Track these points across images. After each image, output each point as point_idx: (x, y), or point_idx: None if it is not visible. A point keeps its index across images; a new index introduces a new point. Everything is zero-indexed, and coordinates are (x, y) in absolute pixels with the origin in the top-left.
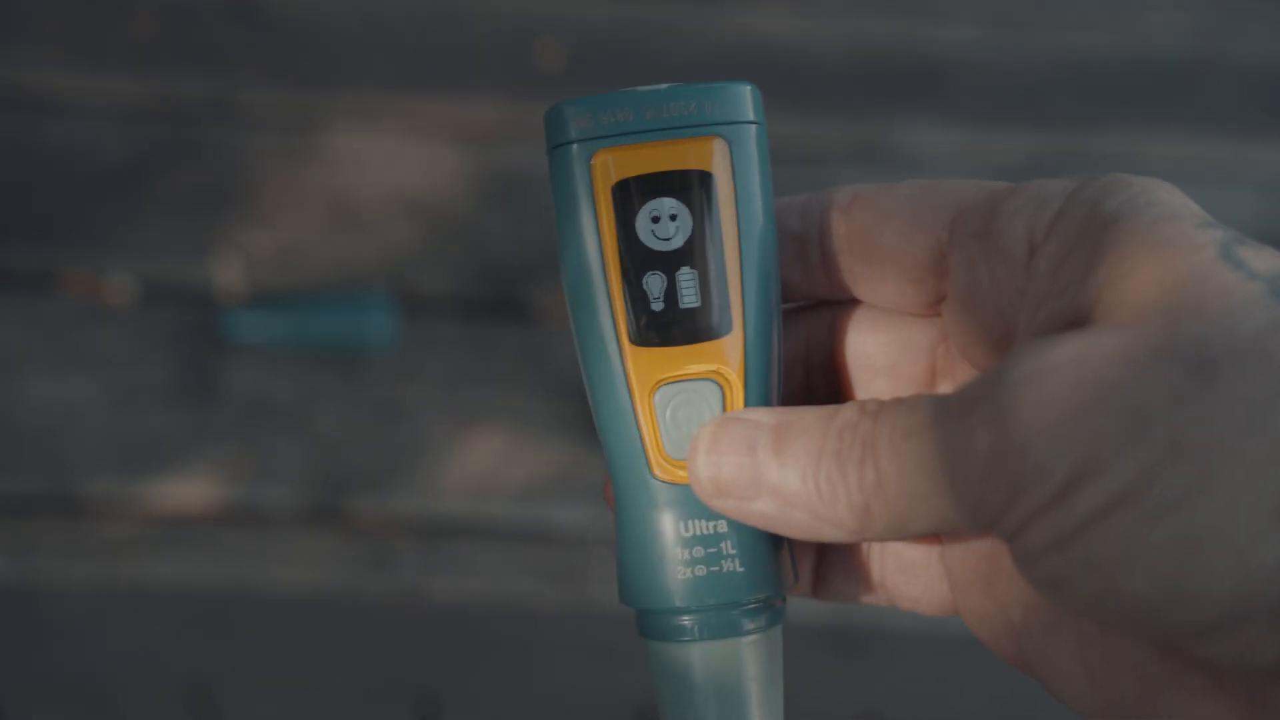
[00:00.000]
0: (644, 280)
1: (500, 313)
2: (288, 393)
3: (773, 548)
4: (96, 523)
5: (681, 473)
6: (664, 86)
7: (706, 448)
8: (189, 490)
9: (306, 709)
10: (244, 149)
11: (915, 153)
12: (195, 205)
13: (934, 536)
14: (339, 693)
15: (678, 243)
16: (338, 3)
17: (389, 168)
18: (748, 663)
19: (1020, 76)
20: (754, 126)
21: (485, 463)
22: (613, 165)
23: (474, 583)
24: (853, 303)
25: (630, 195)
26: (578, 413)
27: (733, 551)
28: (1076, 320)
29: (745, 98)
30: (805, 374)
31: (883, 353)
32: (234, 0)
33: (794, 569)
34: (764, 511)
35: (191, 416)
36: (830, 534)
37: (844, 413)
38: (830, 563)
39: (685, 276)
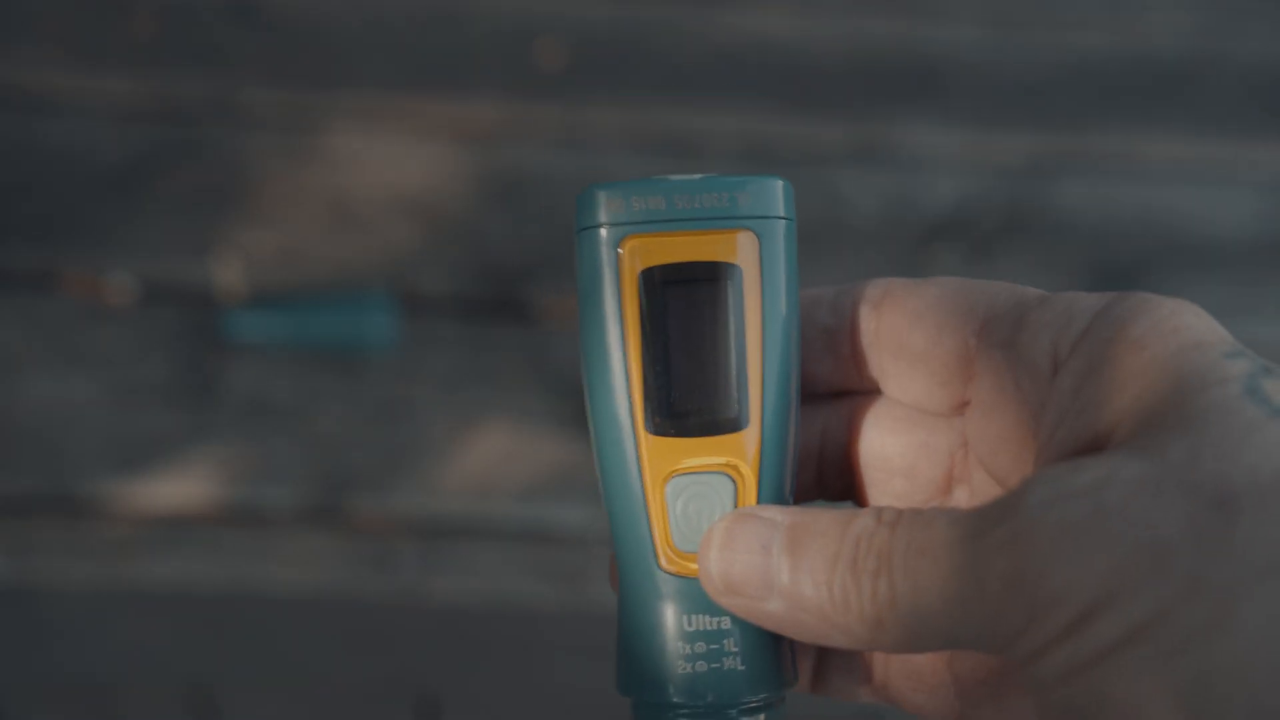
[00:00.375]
0: (664, 370)
1: (500, 313)
2: (288, 393)
3: (775, 646)
4: (96, 523)
5: (689, 565)
6: (698, 177)
7: (720, 543)
8: (189, 490)
9: (306, 709)
10: (244, 149)
11: (915, 153)
12: (195, 205)
13: None
14: (339, 693)
15: (701, 334)
16: (338, 3)
17: (389, 168)
18: None
19: (1020, 76)
20: (784, 222)
21: (485, 463)
22: (641, 252)
23: (474, 583)
24: (872, 396)
25: (656, 283)
26: (577, 412)
27: (735, 649)
28: (1096, 441)
29: (777, 192)
30: (819, 468)
31: (901, 454)
32: (234, 0)
33: (794, 668)
34: (773, 613)
35: (191, 416)
36: (840, 641)
37: (861, 519)
38: (832, 661)
39: (706, 369)
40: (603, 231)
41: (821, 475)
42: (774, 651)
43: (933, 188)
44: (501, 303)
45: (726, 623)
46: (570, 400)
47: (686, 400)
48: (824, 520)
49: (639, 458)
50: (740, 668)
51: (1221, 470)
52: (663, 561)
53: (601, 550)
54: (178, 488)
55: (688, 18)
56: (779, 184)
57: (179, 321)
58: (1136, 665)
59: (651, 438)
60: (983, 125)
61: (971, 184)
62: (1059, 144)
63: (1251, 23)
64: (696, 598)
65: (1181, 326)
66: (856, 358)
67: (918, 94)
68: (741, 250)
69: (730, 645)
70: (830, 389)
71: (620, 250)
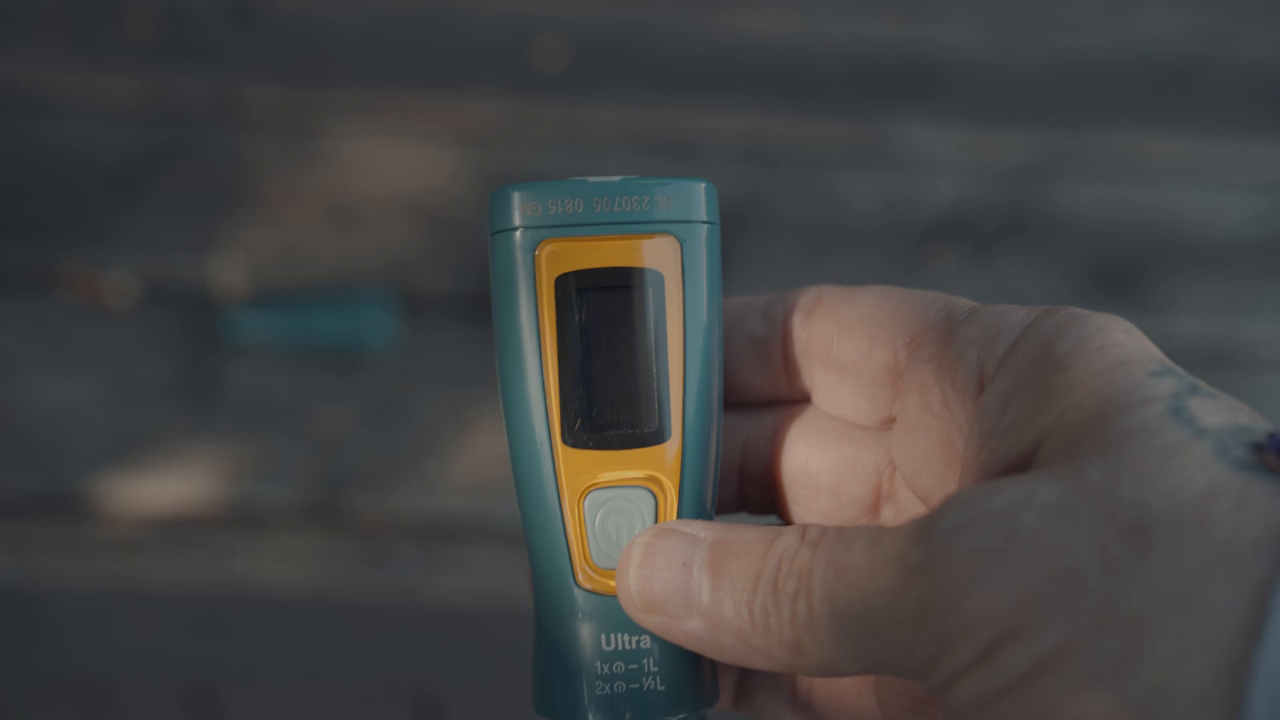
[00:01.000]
0: (582, 380)
1: None
2: (288, 393)
3: (696, 665)
4: (96, 523)
5: (608, 583)
6: (617, 179)
7: (639, 560)
8: (189, 490)
9: (306, 709)
10: (244, 149)
11: (915, 153)
12: (195, 205)
13: None
14: (338, 692)
15: (620, 343)
16: (337, 3)
17: (389, 168)
18: None
19: (1020, 76)
20: (706, 226)
21: (485, 463)
22: (558, 257)
23: (474, 583)
24: (801, 406)
25: (574, 290)
26: None
27: (655, 669)
28: (1020, 461)
29: (699, 196)
30: (740, 481)
31: (829, 470)
32: (233, 0)
33: (715, 686)
34: (693, 632)
35: (192, 417)
36: (759, 663)
37: (785, 538)
38: (754, 678)
39: (625, 379)
40: (518, 235)
41: (743, 488)
42: (694, 670)
43: (932, 188)
44: None
45: (646, 641)
46: None
47: (605, 412)
48: (748, 538)
49: (556, 471)
50: (660, 688)
51: (1138, 496)
52: (580, 578)
53: None
54: (178, 488)
55: (688, 18)
56: (701, 186)
57: (179, 321)
58: (1045, 698)
59: (569, 450)
60: (983, 125)
61: (971, 184)
62: (1059, 144)
63: (1251, 23)
64: (615, 616)
65: (1108, 344)
66: (788, 367)
67: (918, 94)
68: (662, 255)
69: (650, 664)
70: (760, 399)
71: (536, 254)
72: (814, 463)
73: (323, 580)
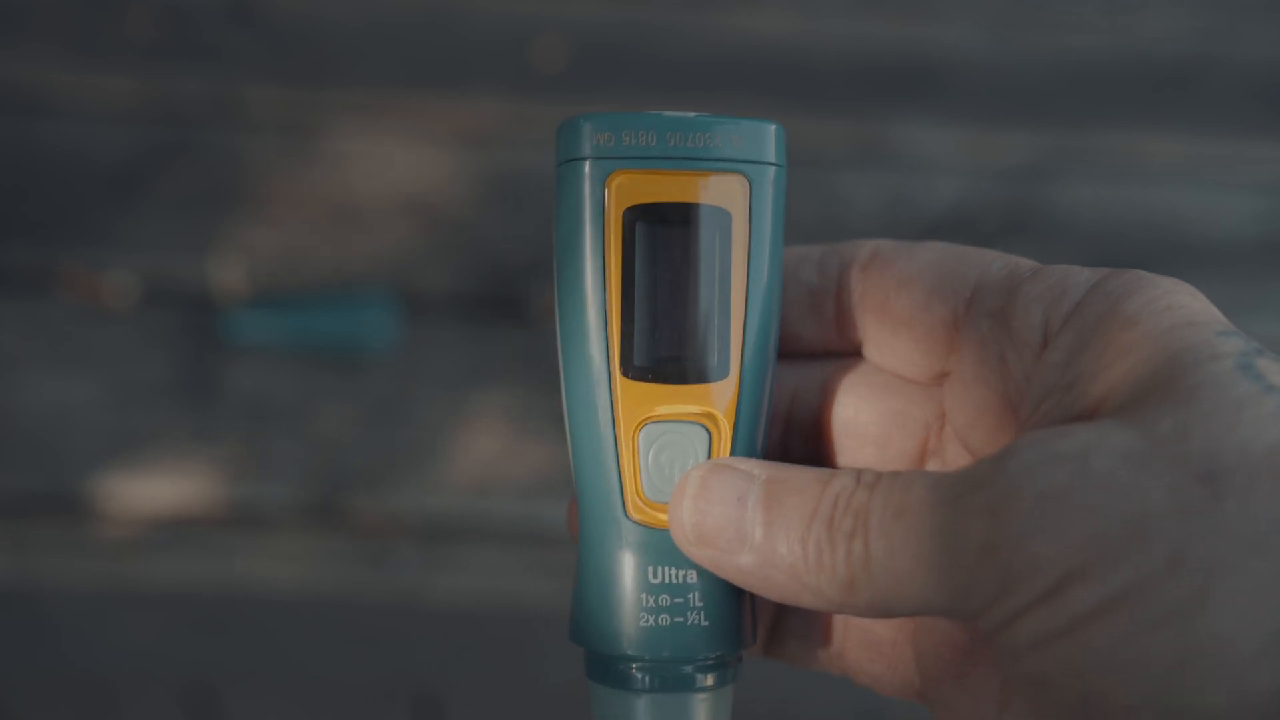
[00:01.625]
0: (645, 313)
1: (500, 313)
2: (288, 393)
3: (738, 605)
4: (96, 523)
5: (659, 516)
6: (691, 114)
7: (694, 493)
8: (189, 490)
9: (306, 709)
10: (244, 149)
11: (915, 153)
12: (195, 205)
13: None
14: (338, 692)
15: (684, 278)
16: (337, 3)
17: (389, 168)
18: (708, 717)
19: (1020, 76)
20: (775, 168)
21: (485, 463)
22: (628, 189)
23: (474, 583)
24: (850, 360)
25: (642, 222)
26: None
27: (699, 604)
28: (1083, 415)
29: (771, 137)
30: (785, 431)
31: (876, 422)
32: (234, 0)
33: (755, 629)
34: (744, 567)
35: (191, 416)
36: (809, 601)
37: (840, 479)
38: (788, 624)
39: (687, 314)
40: (588, 165)
41: (786, 439)
42: (737, 610)
43: (932, 188)
44: (501, 303)
45: (693, 576)
46: None
47: (666, 346)
48: (804, 477)
49: (612, 403)
50: (703, 624)
51: (1211, 445)
52: (630, 510)
53: None
54: (178, 488)
55: (688, 18)
56: (773, 128)
57: (179, 321)
58: (1111, 637)
59: (627, 382)
60: (983, 125)
61: (971, 184)
62: (1059, 144)
63: (1251, 23)
64: (664, 549)
65: (1175, 305)
66: (840, 319)
67: (918, 94)
68: (731, 194)
69: (694, 600)
70: (809, 350)
71: (606, 185)
72: (862, 414)
73: (323, 580)
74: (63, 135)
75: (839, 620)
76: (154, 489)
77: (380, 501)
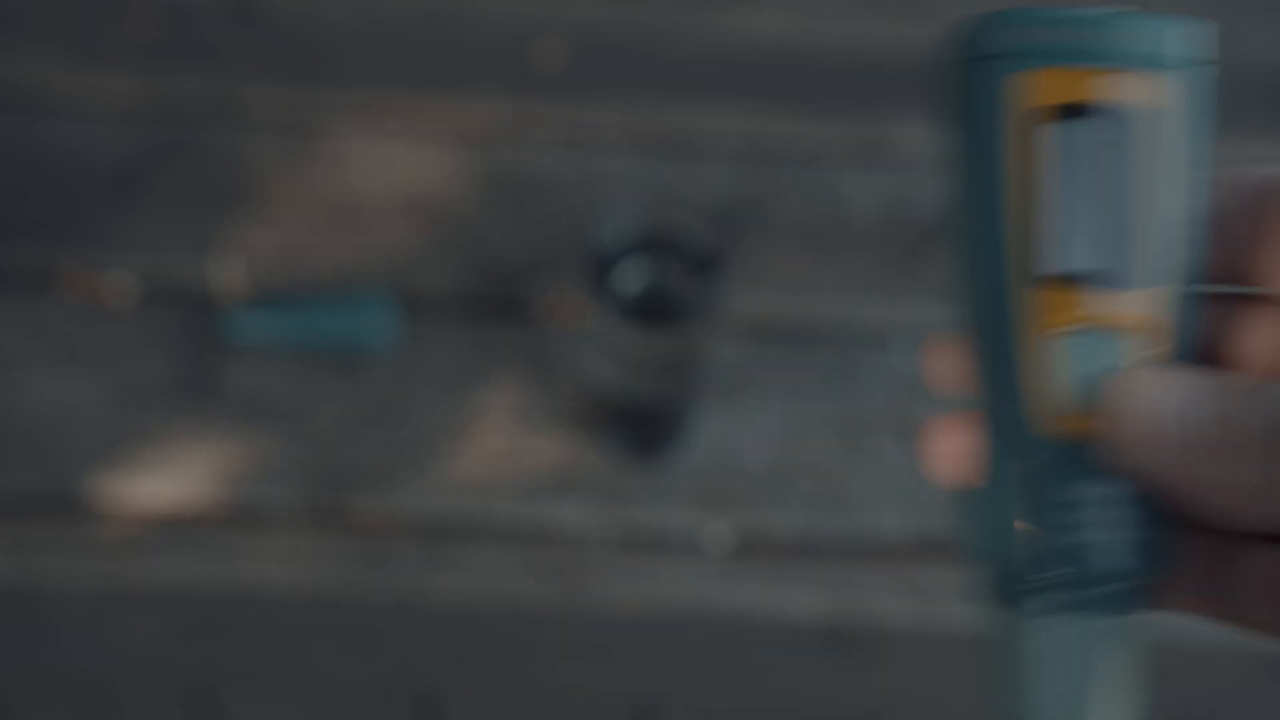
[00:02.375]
0: (1069, 216)
1: (500, 313)
2: (288, 393)
3: (1154, 527)
4: (96, 523)
5: (1082, 426)
6: (1112, 10)
7: (1132, 400)
8: (189, 490)
9: (306, 708)
10: (244, 149)
11: (916, 153)
12: (195, 205)
13: None
14: (338, 692)
15: (1111, 183)
16: (338, 3)
17: (389, 168)
18: (1112, 646)
19: None
20: (1205, 70)
21: (485, 463)
22: (1042, 88)
23: (474, 583)
24: (1250, 294)
25: (1065, 122)
26: (577, 412)
27: (1114, 518)
28: None
29: (1203, 36)
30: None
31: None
32: (234, 0)
33: (1169, 558)
34: (1198, 479)
35: (191, 416)
36: (1247, 521)
37: None
38: (1189, 570)
39: (1118, 219)
40: (998, 63)
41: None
42: (1153, 532)
43: (933, 188)
44: (502, 303)
45: (1110, 492)
46: (570, 400)
47: (1093, 250)
48: (1260, 394)
49: (1027, 308)
50: (1117, 540)
51: None
52: (1047, 422)
53: (602, 550)
54: (178, 487)
55: (688, 18)
56: (1204, 27)
57: (179, 321)
58: None
59: (1049, 288)
60: None
61: None
62: None
63: (1251, 23)
64: (1082, 462)
65: None
66: (1252, 247)
67: (918, 94)
68: (1157, 95)
69: (1109, 515)
70: (1212, 279)
71: (1017, 84)
72: (1265, 356)
73: (323, 580)
74: (63, 135)
75: (1245, 569)
76: (154, 489)
77: (380, 501)
